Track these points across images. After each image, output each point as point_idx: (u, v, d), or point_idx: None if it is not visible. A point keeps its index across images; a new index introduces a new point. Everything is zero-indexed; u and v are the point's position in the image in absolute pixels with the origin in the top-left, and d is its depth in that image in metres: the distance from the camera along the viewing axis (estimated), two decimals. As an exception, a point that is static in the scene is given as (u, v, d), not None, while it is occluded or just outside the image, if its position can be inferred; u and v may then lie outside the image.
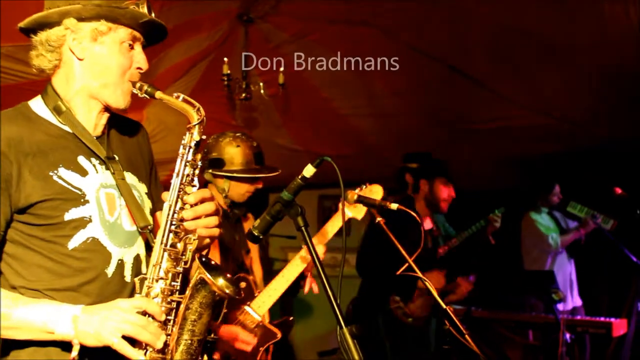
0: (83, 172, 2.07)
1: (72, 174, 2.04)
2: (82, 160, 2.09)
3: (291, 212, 2.15)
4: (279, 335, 3.63)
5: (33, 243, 2.01)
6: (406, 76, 5.87)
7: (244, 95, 5.55)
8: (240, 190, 3.66)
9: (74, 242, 2.02)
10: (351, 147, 7.29)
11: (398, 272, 3.22)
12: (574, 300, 6.76)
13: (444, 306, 2.84)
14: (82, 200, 2.04)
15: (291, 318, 3.81)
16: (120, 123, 2.28)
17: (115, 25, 2.08)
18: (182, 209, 2.08)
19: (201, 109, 2.12)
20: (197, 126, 2.11)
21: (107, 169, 2.14)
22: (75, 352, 1.91)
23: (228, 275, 2.15)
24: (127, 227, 2.16)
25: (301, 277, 3.73)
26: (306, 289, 3.80)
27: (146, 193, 2.27)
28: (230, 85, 5.50)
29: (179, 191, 2.09)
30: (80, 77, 2.10)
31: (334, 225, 3.65)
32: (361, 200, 3.19)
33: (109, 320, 1.90)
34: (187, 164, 2.12)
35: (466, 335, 2.75)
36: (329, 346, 8.06)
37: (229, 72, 5.40)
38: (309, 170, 2.13)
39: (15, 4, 3.46)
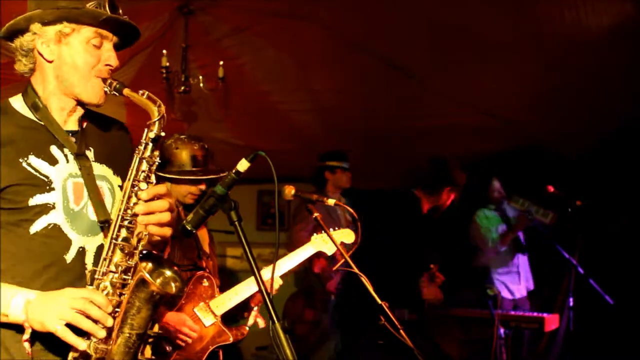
0: (53, 161, 2.16)
1: (41, 162, 2.14)
2: (54, 149, 2.18)
3: (224, 207, 2.13)
4: (231, 339, 3.63)
5: (4, 227, 2.12)
6: (346, 72, 5.88)
7: (182, 88, 5.49)
8: (181, 191, 3.63)
9: (36, 227, 2.12)
10: (291, 142, 7.27)
11: (334, 268, 3.24)
12: (521, 291, 6.85)
13: (379, 301, 2.85)
14: (48, 187, 2.13)
15: (247, 328, 3.79)
16: (99, 119, 2.38)
17: (78, 26, 2.17)
18: (136, 204, 2.12)
19: (162, 105, 2.17)
20: (157, 122, 2.15)
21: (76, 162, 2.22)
22: (27, 335, 2.01)
23: (175, 269, 2.18)
24: (93, 217, 2.22)
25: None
26: (249, 322, 3.79)
27: (119, 186, 2.33)
28: (169, 78, 5.44)
29: (133, 187, 2.14)
30: (52, 78, 2.20)
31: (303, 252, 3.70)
32: (298, 195, 3.18)
33: (54, 307, 1.97)
34: (143, 159, 2.17)
35: (401, 331, 2.77)
36: (267, 341, 8.01)
37: (168, 64, 5.34)
38: (243, 165, 2.12)
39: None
